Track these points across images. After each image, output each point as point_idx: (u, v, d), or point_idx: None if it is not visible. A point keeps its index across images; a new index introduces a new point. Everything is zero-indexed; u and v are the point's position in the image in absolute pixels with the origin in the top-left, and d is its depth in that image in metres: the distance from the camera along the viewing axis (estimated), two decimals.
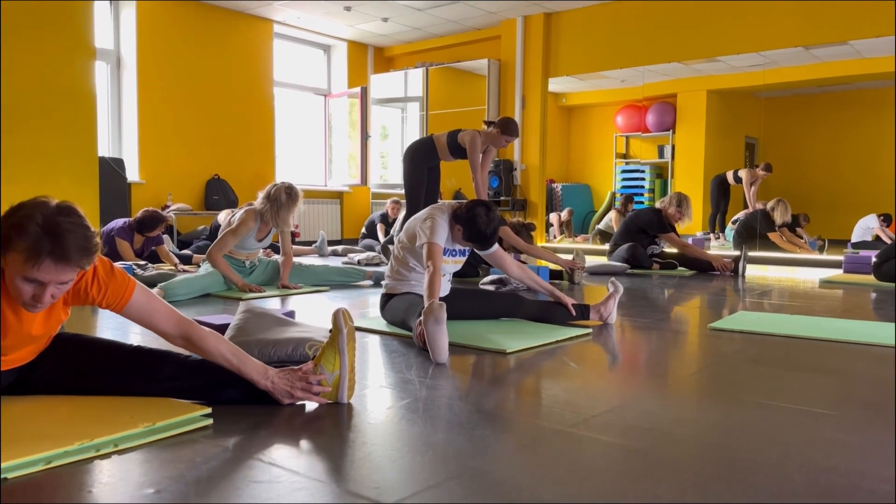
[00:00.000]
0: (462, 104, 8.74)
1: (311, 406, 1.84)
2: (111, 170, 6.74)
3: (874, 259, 5.16)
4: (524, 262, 5.11)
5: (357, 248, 7.65)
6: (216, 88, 7.92)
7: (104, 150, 7.11)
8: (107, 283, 1.72)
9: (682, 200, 5.65)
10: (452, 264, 3.09)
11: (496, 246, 3.14)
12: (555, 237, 9.03)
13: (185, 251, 6.29)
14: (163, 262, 5.57)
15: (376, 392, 2.00)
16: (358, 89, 9.13)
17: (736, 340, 2.86)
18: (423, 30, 8.72)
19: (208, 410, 1.72)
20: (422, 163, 5.39)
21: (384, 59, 9.76)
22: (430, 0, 7.46)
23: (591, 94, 9.27)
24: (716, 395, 2.02)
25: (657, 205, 5.91)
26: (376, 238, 7.67)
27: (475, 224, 2.90)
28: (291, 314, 2.86)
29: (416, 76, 9.08)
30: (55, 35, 4.51)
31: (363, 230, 8.09)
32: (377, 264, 6.16)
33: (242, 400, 1.83)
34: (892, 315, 3.63)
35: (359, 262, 6.18)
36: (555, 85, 8.56)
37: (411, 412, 1.81)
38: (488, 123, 5.24)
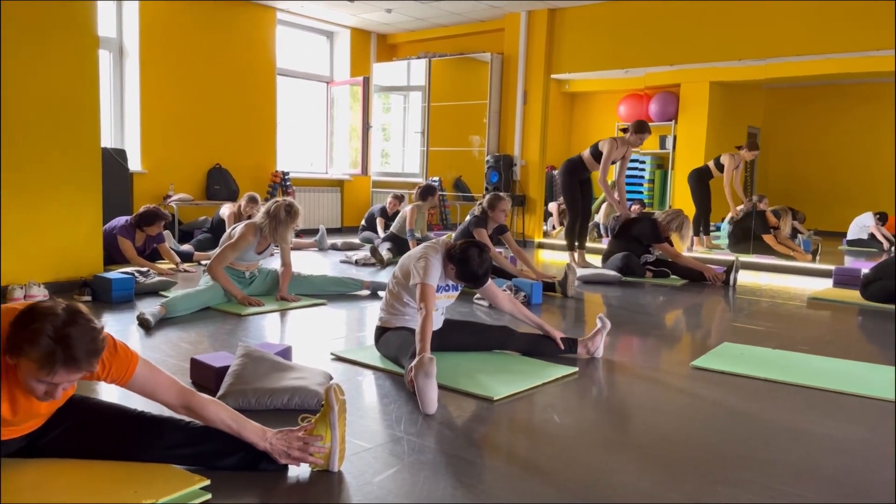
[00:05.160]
0: (464, 97, 8.74)
1: (304, 475, 1.96)
2: (113, 160, 6.79)
3: (864, 273, 5.25)
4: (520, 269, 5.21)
5: (356, 241, 7.74)
6: (218, 77, 7.92)
7: (106, 140, 7.15)
8: (111, 361, 1.82)
9: (682, 224, 5.74)
10: (446, 299, 3.19)
11: (488, 281, 3.23)
12: (553, 227, 9.10)
13: (186, 247, 6.38)
14: (164, 260, 5.67)
15: (366, 455, 2.11)
16: (360, 79, 9.12)
17: (716, 385, 2.97)
18: (426, 20, 8.68)
19: (207, 482, 1.83)
20: (574, 177, 6.39)
21: (387, 46, 9.73)
22: None
23: (594, 81, 9.24)
24: (685, 469, 2.13)
25: (655, 215, 5.98)
26: (375, 231, 7.75)
27: (469, 265, 2.98)
28: (288, 350, 2.96)
29: (419, 66, 9.07)
30: (59, 24, 4.50)
31: (363, 222, 8.16)
32: (373, 264, 6.26)
33: (241, 467, 1.94)
34: (869, 349, 3.74)
35: (356, 262, 6.28)
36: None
37: (398, 484, 1.92)
38: (624, 130, 6.27)
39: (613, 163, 6.38)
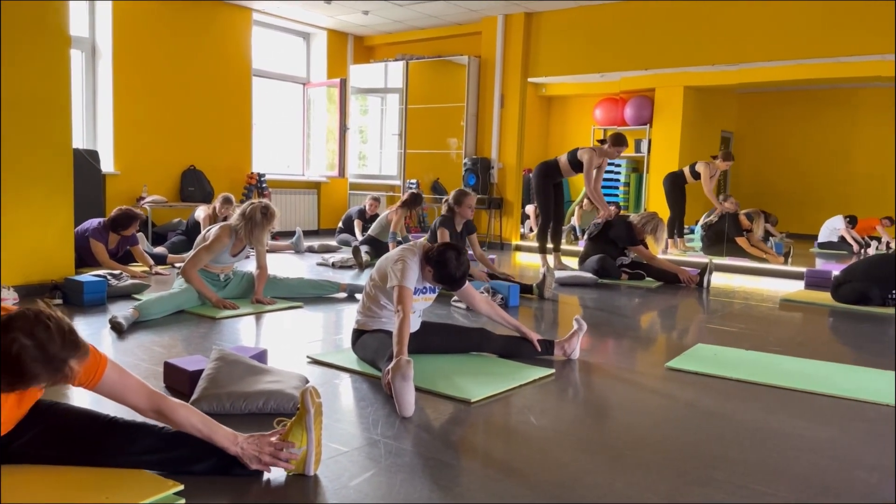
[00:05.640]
0: (441, 100, 8.75)
1: (279, 480, 1.94)
2: (85, 161, 6.68)
3: (834, 275, 5.35)
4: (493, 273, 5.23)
5: (333, 243, 7.70)
6: (193, 77, 7.85)
7: (78, 140, 7.05)
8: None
9: (657, 226, 5.80)
10: (423, 301, 3.18)
11: (466, 284, 3.24)
12: (531, 230, 9.14)
13: (160, 249, 6.30)
14: (137, 263, 5.60)
15: (342, 459, 2.10)
16: (337, 81, 9.09)
17: (690, 386, 3.00)
18: (403, 22, 8.68)
19: (180, 487, 1.81)
20: (548, 180, 6.43)
21: (364, 48, 9.71)
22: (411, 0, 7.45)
23: (570, 85, 9.30)
24: (659, 469, 2.14)
25: (630, 218, 6.03)
26: (353, 234, 7.72)
27: (446, 267, 2.99)
28: (264, 354, 2.94)
29: (396, 68, 9.06)
30: (29, 23, 4.42)
31: (340, 224, 8.13)
32: (351, 266, 6.24)
33: (214, 472, 1.92)
34: (840, 350, 3.81)
35: (333, 265, 6.25)
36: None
37: (374, 487, 1.92)
38: (601, 142, 6.34)
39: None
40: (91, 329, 3.64)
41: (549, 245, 6.56)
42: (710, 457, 2.21)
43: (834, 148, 10.31)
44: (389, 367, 2.59)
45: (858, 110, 10.06)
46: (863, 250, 8.54)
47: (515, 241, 8.56)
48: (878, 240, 8.80)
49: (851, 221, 8.94)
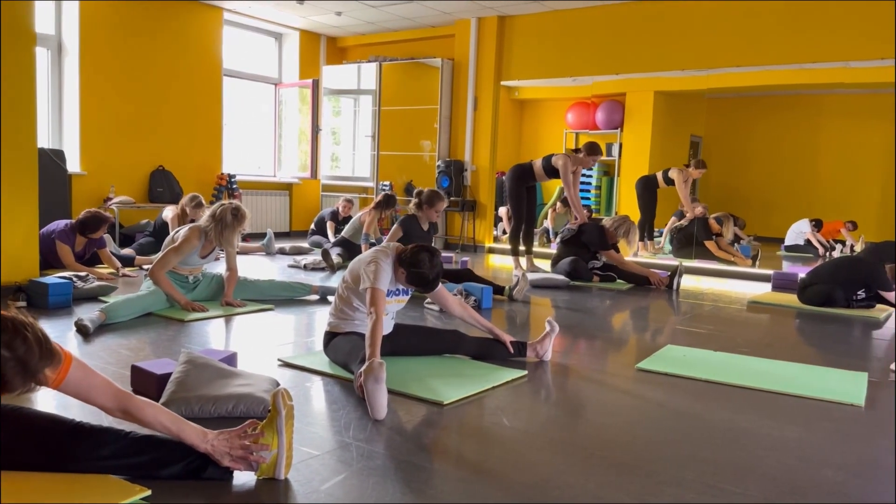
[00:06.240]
0: (415, 102, 8.74)
1: (249, 484, 1.91)
2: (51, 161, 6.55)
3: (800, 277, 5.44)
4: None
5: (305, 245, 7.64)
6: (162, 76, 7.74)
7: (43, 140, 6.91)
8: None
9: (629, 230, 5.86)
10: (396, 303, 3.17)
11: (439, 286, 3.23)
12: (504, 232, 9.16)
13: (127, 251, 6.19)
14: (104, 265, 5.50)
15: (314, 462, 2.08)
16: (309, 81, 9.04)
17: (660, 386, 3.03)
18: (377, 24, 8.66)
19: (148, 493, 1.78)
20: (521, 182, 6.41)
21: (337, 49, 9.67)
22: (384, 0, 7.43)
23: (542, 89, 9.37)
24: (630, 469, 2.16)
25: (603, 222, 6.08)
26: (325, 235, 7.67)
27: (419, 269, 2.98)
28: (233, 357, 2.90)
29: (369, 70, 9.03)
30: None
31: (312, 226, 8.07)
32: (323, 268, 6.19)
33: (185, 475, 1.89)
34: (807, 351, 3.88)
35: (305, 267, 6.20)
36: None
37: (346, 490, 1.90)
38: (576, 150, 6.37)
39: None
40: (56, 332, 3.56)
41: (522, 247, 6.59)
42: (680, 456, 2.23)
43: (799, 153, 10.50)
44: (362, 369, 2.57)
45: (822, 116, 10.26)
46: (828, 253, 8.72)
47: (489, 244, 8.58)
48: (843, 243, 8.99)
49: (817, 225, 9.12)
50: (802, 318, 4.85)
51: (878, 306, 5.09)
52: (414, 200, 5.20)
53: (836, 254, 8.66)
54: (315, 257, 6.43)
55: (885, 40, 6.09)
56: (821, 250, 8.80)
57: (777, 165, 10.61)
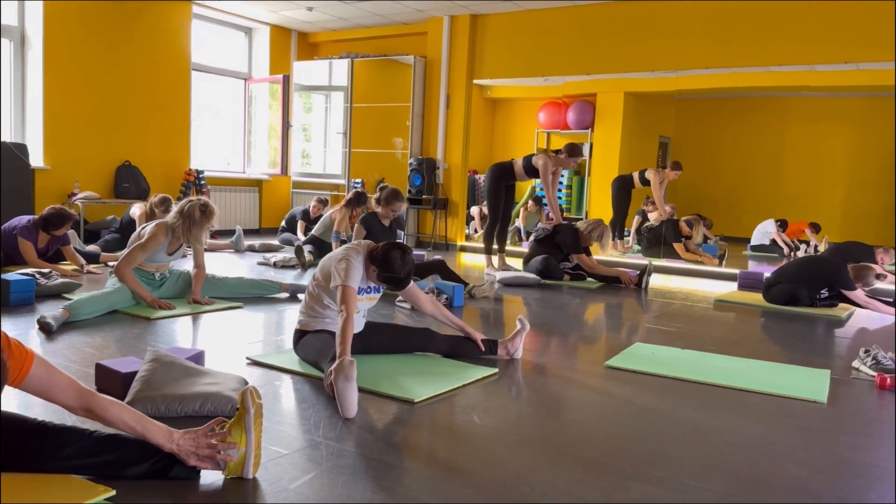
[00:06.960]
0: (387, 99, 8.71)
1: (217, 483, 1.89)
2: (13, 155, 6.40)
3: (766, 277, 5.54)
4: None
5: (275, 242, 7.57)
6: (129, 70, 7.60)
7: (5, 134, 6.75)
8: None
9: (603, 233, 5.91)
10: (367, 301, 3.15)
11: (411, 283, 3.22)
12: (476, 231, 9.18)
13: (92, 247, 6.08)
14: (68, 262, 5.38)
15: (283, 461, 2.06)
16: (280, 77, 8.95)
17: (628, 384, 3.06)
18: (349, 20, 8.61)
19: (112, 493, 1.74)
20: (502, 182, 6.44)
21: (308, 45, 9.59)
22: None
23: (514, 88, 9.39)
24: (599, 466, 2.18)
25: (577, 225, 6.12)
26: (295, 233, 7.60)
27: (391, 267, 2.96)
28: (201, 355, 2.86)
29: (341, 66, 8.97)
30: None
31: (283, 224, 8.00)
32: (293, 266, 6.14)
33: (151, 475, 1.85)
34: (771, 349, 3.95)
35: (275, 264, 6.14)
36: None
37: (315, 490, 1.88)
38: (556, 151, 6.24)
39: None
40: (18, 330, 3.47)
41: (495, 246, 6.60)
42: (648, 453, 2.25)
43: (766, 154, 10.68)
44: (332, 367, 2.55)
45: (788, 118, 10.46)
46: (793, 253, 8.89)
47: (461, 242, 8.58)
48: (807, 243, 9.18)
49: (782, 225, 9.30)
50: (767, 317, 4.94)
51: (841, 305, 5.21)
52: (375, 195, 5.17)
53: (800, 254, 8.84)
54: (286, 255, 6.37)
55: (849, 45, 6.23)
56: (786, 250, 8.97)
57: (744, 166, 10.79)
